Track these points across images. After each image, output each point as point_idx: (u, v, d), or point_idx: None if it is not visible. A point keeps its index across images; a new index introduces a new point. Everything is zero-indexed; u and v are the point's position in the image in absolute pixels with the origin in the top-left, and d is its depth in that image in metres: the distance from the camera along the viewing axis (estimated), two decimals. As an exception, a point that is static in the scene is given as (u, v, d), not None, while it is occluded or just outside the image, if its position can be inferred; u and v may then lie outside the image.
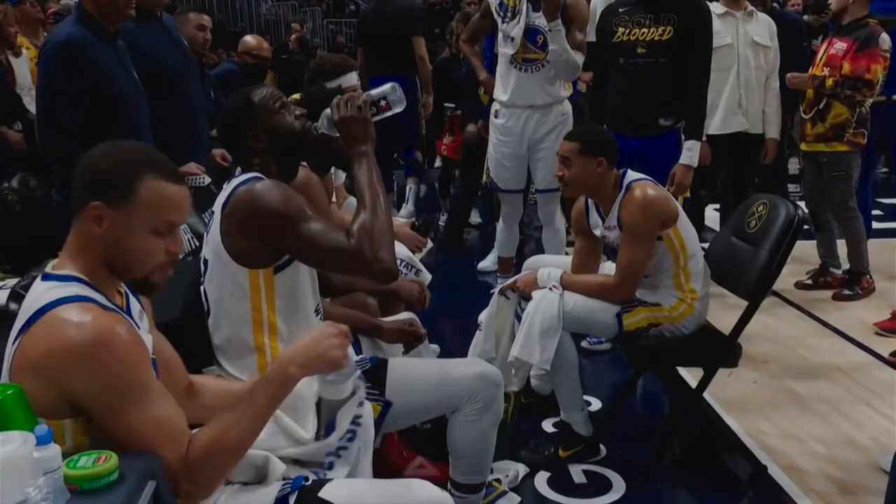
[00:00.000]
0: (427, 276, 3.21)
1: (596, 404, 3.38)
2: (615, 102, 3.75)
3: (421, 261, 3.25)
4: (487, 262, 5.21)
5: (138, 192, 1.45)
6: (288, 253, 1.85)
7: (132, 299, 1.58)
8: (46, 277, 1.45)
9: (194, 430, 1.45)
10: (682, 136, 3.68)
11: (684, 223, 2.82)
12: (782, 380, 3.61)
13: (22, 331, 1.37)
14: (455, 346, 3.80)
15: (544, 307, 2.76)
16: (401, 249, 3.14)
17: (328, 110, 1.96)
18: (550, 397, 3.10)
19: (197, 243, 3.05)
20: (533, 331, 2.75)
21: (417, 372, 2.19)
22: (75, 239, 1.48)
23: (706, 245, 3.11)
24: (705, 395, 2.96)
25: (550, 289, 2.82)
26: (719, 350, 2.81)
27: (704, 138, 4.42)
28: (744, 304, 2.75)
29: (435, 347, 3.32)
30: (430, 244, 3.41)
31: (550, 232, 4.41)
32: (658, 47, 3.57)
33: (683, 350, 2.84)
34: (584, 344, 3.91)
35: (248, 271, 1.86)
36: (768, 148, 4.65)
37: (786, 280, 4.77)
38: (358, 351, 2.28)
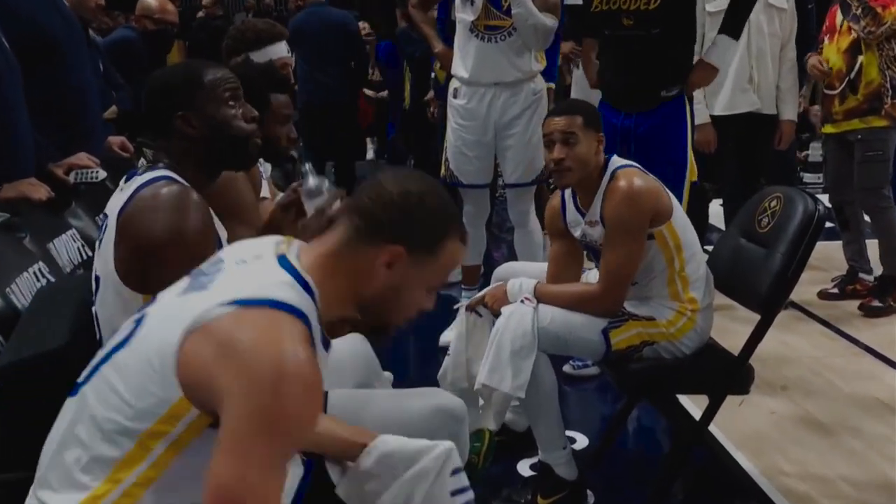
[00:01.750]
0: None
1: (581, 441, 3.41)
2: (607, 77, 3.82)
3: None
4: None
5: (443, 250, 1.60)
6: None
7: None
8: (285, 263, 1.50)
9: None
10: (690, 108, 3.77)
11: (680, 218, 2.88)
12: (804, 409, 3.68)
13: (244, 303, 1.39)
14: (414, 373, 3.82)
15: (515, 324, 2.79)
16: None
17: None
18: (527, 434, 3.12)
19: (89, 253, 3.04)
20: (502, 352, 2.77)
21: (364, 406, 2.19)
22: (351, 262, 1.54)
23: (710, 248, 3.17)
24: (712, 428, 3.00)
25: (522, 301, 2.85)
26: (727, 374, 2.84)
27: (708, 120, 4.54)
28: (755, 318, 2.79)
29: (388, 375, 3.33)
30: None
31: (524, 234, 4.45)
32: (646, 17, 3.65)
33: (684, 374, 2.87)
34: (566, 368, 3.96)
35: (142, 297, 1.87)
36: (783, 131, 4.76)
37: (807, 289, 4.88)
38: None
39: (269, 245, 1.56)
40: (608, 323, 2.83)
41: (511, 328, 2.79)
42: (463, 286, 4.61)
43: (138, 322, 1.51)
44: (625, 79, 3.75)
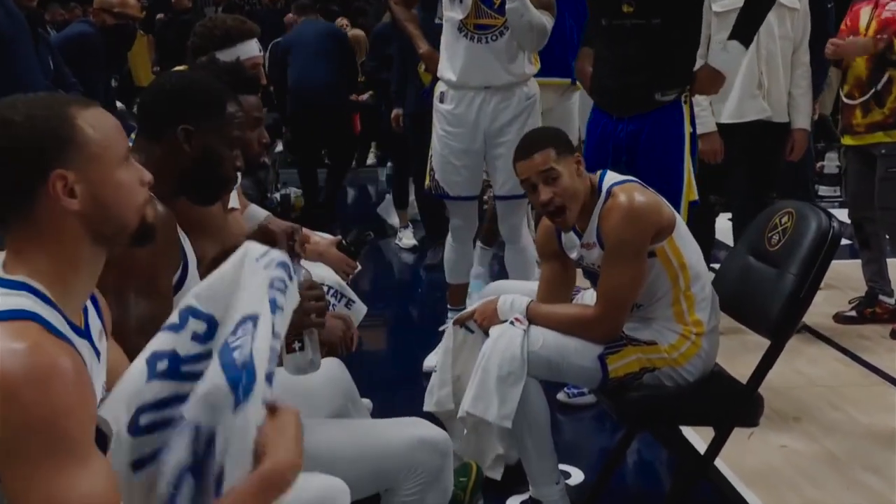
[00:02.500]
0: (361, 309, 3.27)
1: (576, 476, 3.42)
2: (600, 75, 3.84)
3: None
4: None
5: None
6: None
7: (92, 313, 1.62)
8: None
9: None
10: (689, 111, 3.78)
11: (683, 234, 2.91)
12: (819, 443, 3.68)
13: None
14: (396, 400, 3.82)
15: (503, 347, 2.81)
16: (327, 273, 3.19)
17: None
18: (517, 467, 3.13)
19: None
20: (489, 377, 2.79)
21: (340, 437, 2.21)
22: (30, 229, 1.48)
23: (716, 265, 3.18)
24: (718, 462, 3.01)
25: (512, 322, 2.87)
26: (735, 404, 2.86)
27: (714, 128, 4.58)
28: (764, 343, 2.81)
29: (366, 402, 3.35)
30: (358, 267, 3.45)
31: (515, 251, 4.46)
32: (648, 4, 3.66)
33: (688, 403, 2.89)
34: (560, 396, 3.97)
35: None
36: (795, 140, 4.79)
37: (821, 311, 4.90)
38: None
39: None
40: (605, 348, 2.84)
41: (499, 351, 2.81)
42: (449, 306, 4.60)
43: None
44: (618, 77, 3.76)
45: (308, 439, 2.11)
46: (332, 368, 2.69)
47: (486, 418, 2.81)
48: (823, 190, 8.03)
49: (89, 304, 1.62)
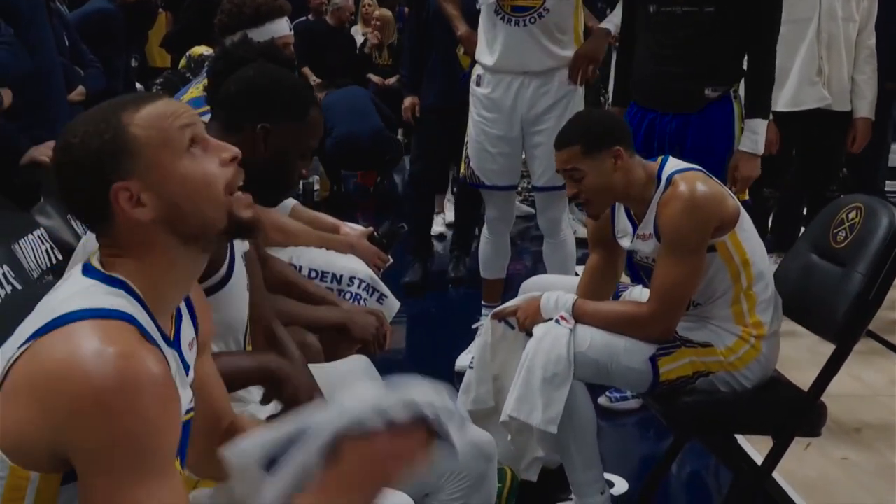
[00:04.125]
0: (394, 305, 3.28)
1: (620, 485, 3.39)
2: (644, 68, 3.79)
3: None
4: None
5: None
6: None
7: (186, 321, 1.64)
8: (89, 272, 1.48)
9: None
10: (739, 108, 3.73)
11: (747, 228, 2.86)
12: (882, 456, 3.65)
13: (38, 333, 1.38)
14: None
15: (548, 347, 2.78)
16: (359, 266, 3.19)
17: None
18: (558, 473, 3.10)
19: (59, 257, 3.05)
20: (533, 379, 2.76)
21: None
22: (118, 239, 1.49)
23: (772, 263, 3.14)
24: (775, 474, 2.98)
25: (557, 321, 2.84)
26: (795, 412, 2.83)
27: (772, 117, 4.53)
28: (827, 348, 2.78)
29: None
30: (390, 261, 3.45)
31: (554, 245, 4.44)
32: None
33: (745, 411, 2.86)
34: (601, 400, 3.94)
35: None
36: (858, 131, 4.75)
37: (887, 315, 4.82)
38: None
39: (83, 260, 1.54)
40: (657, 349, 2.81)
41: (544, 352, 2.78)
42: (483, 303, 4.59)
43: None
44: (660, 67, 3.71)
45: None
46: (357, 365, 2.69)
47: (529, 422, 2.78)
48: (889, 185, 7.87)
49: (185, 311, 1.64)
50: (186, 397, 1.55)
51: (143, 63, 8.62)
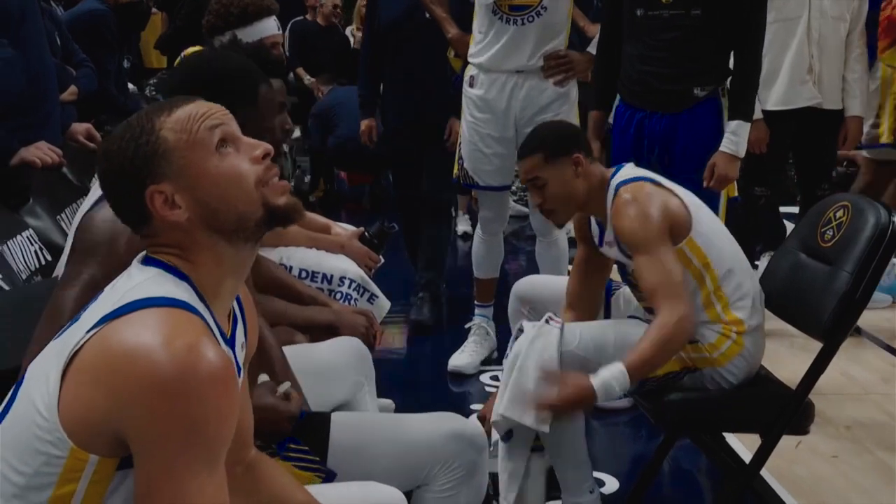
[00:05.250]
0: (385, 305, 3.30)
1: (611, 484, 3.40)
2: (632, 69, 3.80)
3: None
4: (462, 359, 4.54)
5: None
6: None
7: (241, 325, 1.69)
8: (155, 262, 1.52)
9: None
10: (724, 102, 3.74)
11: (705, 233, 2.87)
12: (872, 454, 3.65)
13: (107, 318, 1.42)
14: (422, 400, 3.82)
15: (541, 347, 2.79)
16: (349, 266, 3.21)
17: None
18: (548, 472, 3.08)
19: (48, 258, 3.05)
20: (525, 380, 2.76)
21: (372, 430, 2.24)
22: (166, 240, 1.54)
23: (761, 262, 3.15)
24: (764, 472, 2.98)
25: (548, 321, 2.85)
26: (783, 410, 2.81)
27: (760, 116, 4.54)
28: (815, 345, 2.78)
29: (388, 402, 3.35)
30: (381, 261, 3.46)
31: (547, 245, 4.45)
32: None
33: (733, 409, 2.86)
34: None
35: None
36: (849, 129, 4.74)
37: (876, 313, 4.85)
38: None
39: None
40: None
41: (536, 352, 2.79)
42: (476, 303, 4.60)
43: (19, 383, 1.52)
44: (650, 71, 3.72)
45: (342, 431, 2.16)
46: (352, 345, 2.74)
47: (522, 422, 2.79)
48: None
49: (239, 315, 1.69)
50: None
51: (140, 64, 8.64)
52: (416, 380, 4.47)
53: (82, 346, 1.40)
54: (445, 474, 2.18)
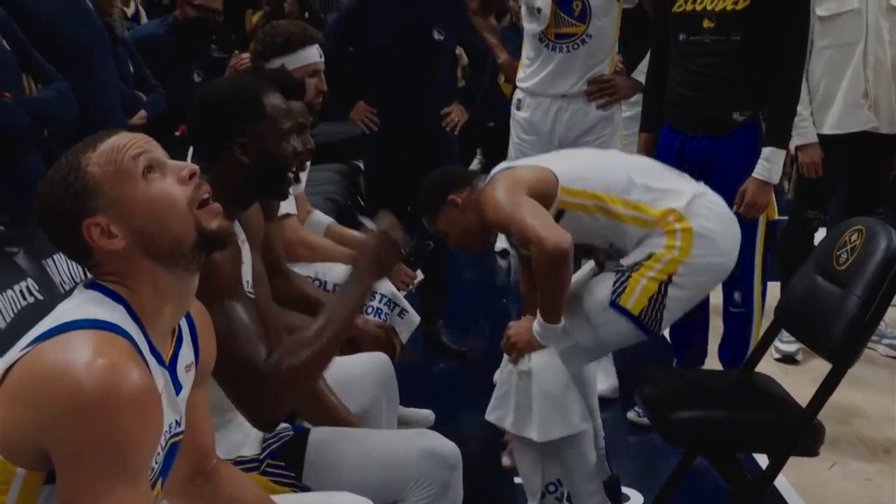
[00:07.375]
0: (415, 319, 3.37)
1: (636, 499, 3.44)
2: (675, 93, 3.86)
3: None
4: None
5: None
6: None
7: (187, 344, 1.74)
8: (96, 286, 1.59)
9: None
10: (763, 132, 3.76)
11: (575, 176, 3.01)
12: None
13: (39, 339, 1.49)
14: (463, 413, 3.87)
15: (553, 372, 2.93)
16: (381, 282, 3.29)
17: None
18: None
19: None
20: (552, 399, 2.91)
21: (348, 447, 2.29)
22: (107, 269, 1.59)
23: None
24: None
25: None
26: (791, 431, 2.81)
27: (815, 140, 4.52)
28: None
29: (428, 413, 3.44)
30: (419, 276, 3.55)
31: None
32: (730, 20, 3.66)
33: (741, 428, 2.89)
34: (630, 415, 4.00)
35: None
36: (902, 153, 4.68)
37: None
38: None
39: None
40: (611, 294, 2.94)
41: (550, 374, 2.93)
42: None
43: None
44: (689, 92, 3.78)
45: (317, 447, 2.24)
46: (376, 359, 2.85)
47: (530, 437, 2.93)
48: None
49: (187, 334, 1.74)
50: (172, 416, 1.65)
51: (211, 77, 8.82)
52: (462, 391, 4.51)
53: (15, 364, 1.47)
54: (418, 492, 2.23)
